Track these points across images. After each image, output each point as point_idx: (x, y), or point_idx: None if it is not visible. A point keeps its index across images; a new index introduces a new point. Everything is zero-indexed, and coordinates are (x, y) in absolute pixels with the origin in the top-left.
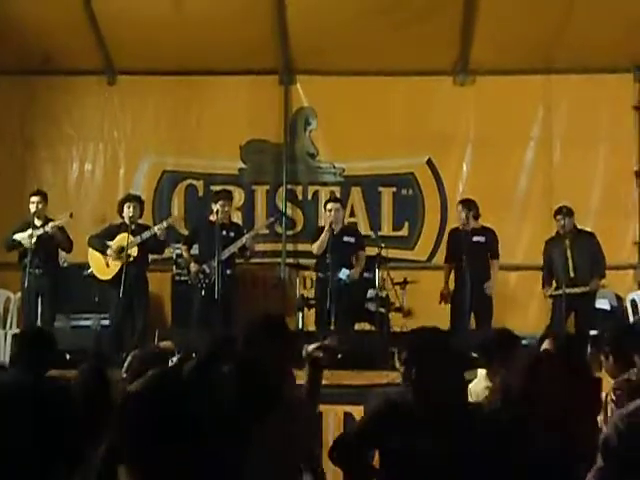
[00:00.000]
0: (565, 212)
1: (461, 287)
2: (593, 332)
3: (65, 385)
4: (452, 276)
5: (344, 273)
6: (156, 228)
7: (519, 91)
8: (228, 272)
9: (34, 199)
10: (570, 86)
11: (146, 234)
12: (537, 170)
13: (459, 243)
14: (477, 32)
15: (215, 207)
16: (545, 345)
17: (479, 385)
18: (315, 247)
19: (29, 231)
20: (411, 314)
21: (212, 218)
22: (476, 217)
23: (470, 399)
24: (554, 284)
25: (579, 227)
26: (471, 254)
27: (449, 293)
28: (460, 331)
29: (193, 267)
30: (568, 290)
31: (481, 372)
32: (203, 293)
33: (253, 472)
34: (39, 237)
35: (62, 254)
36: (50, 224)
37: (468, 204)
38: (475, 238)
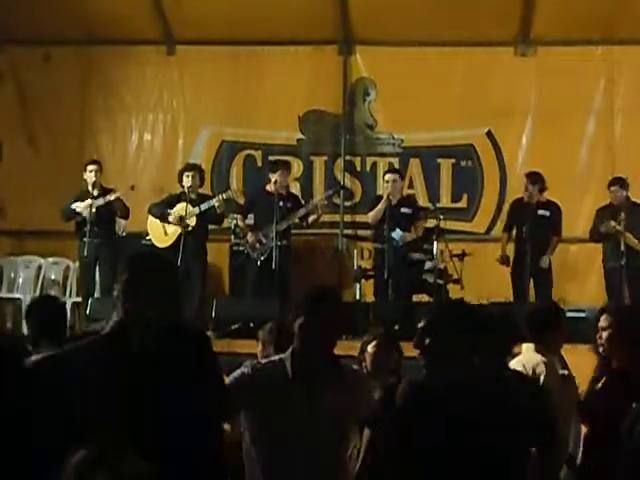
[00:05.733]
0: (620, 183)
1: (520, 258)
2: None
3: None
4: (511, 246)
5: (397, 234)
6: (214, 200)
7: (581, 62)
8: (284, 242)
9: (90, 168)
10: (632, 57)
11: (204, 205)
12: (598, 142)
13: (520, 214)
14: (539, 2)
15: (273, 177)
16: (602, 320)
17: (532, 359)
18: (370, 216)
19: (88, 201)
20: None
21: (269, 188)
22: (541, 190)
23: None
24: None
25: (633, 200)
26: (533, 227)
27: (507, 257)
28: (520, 302)
29: (250, 237)
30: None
31: (527, 346)
32: (259, 263)
33: None
34: (98, 207)
35: (120, 223)
36: (113, 195)
37: (534, 178)
38: (540, 212)
